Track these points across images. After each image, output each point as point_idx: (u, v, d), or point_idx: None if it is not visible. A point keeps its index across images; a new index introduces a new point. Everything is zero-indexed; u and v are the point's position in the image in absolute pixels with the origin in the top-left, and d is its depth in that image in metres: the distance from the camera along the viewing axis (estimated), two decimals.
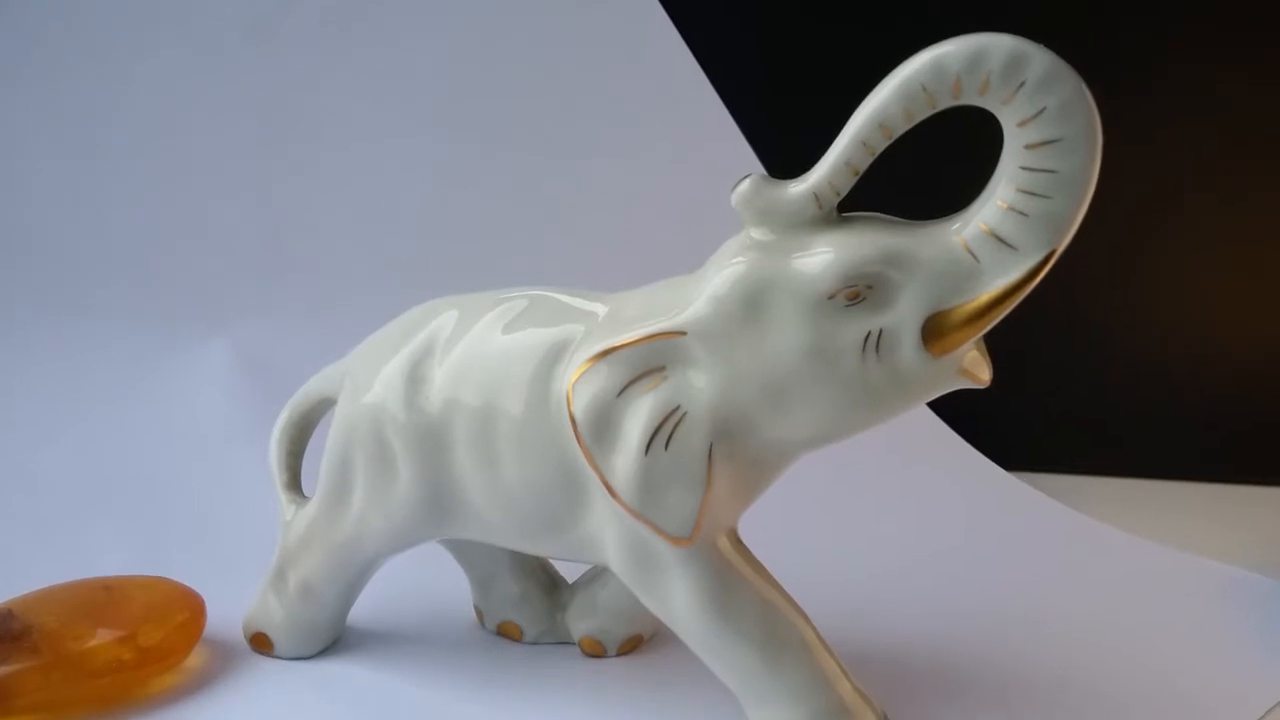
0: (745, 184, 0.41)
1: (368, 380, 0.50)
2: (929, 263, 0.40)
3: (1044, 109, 0.37)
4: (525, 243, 0.92)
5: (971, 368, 0.42)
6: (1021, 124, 0.37)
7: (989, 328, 0.40)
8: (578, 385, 0.43)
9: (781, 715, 0.44)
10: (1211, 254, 0.90)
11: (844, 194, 0.41)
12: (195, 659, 0.54)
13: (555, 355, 0.46)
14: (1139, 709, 0.50)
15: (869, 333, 0.40)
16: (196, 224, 0.93)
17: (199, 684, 0.52)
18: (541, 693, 0.52)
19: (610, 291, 0.48)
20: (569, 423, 0.43)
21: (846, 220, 0.42)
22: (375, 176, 0.95)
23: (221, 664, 0.54)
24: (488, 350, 0.47)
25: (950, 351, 0.40)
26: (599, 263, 0.78)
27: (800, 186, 0.41)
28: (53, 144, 0.93)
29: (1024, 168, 0.38)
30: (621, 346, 0.43)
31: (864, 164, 0.40)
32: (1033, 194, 0.38)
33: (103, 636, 0.50)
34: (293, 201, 0.95)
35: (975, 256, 0.39)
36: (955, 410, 0.88)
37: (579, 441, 0.43)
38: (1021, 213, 0.38)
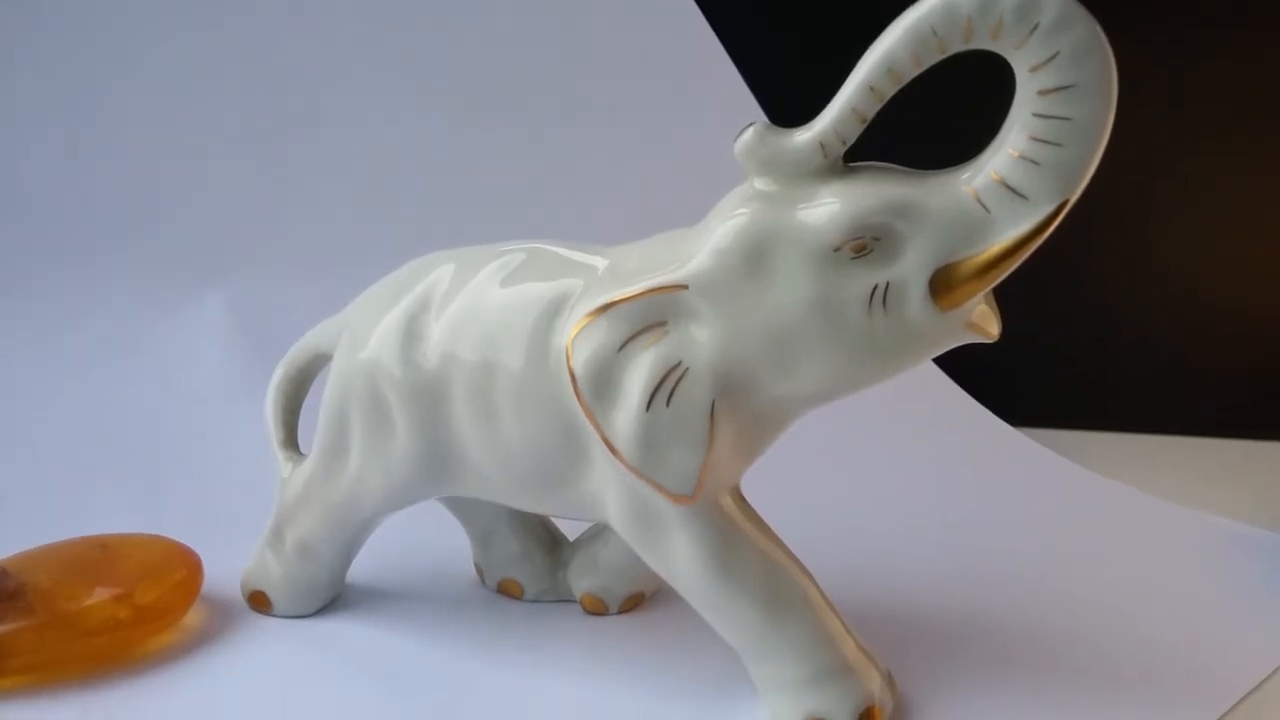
0: (748, 133, 0.40)
1: (364, 335, 0.50)
2: (938, 213, 0.39)
3: (1057, 53, 0.36)
4: (524, 195, 0.91)
5: (980, 322, 0.41)
6: (1034, 69, 0.36)
7: (999, 280, 0.39)
8: (577, 340, 0.42)
9: (784, 674, 0.44)
10: (1224, 209, 0.89)
11: (850, 142, 0.39)
12: (193, 618, 0.54)
13: (554, 309, 0.45)
14: (1145, 665, 0.50)
15: (875, 286, 0.39)
16: (192, 177, 0.93)
17: (197, 643, 0.52)
18: (543, 650, 0.52)
19: (610, 244, 0.47)
20: (568, 379, 0.42)
21: (853, 170, 0.41)
22: (374, 129, 0.94)
23: (219, 623, 0.54)
24: (485, 304, 0.47)
25: (959, 305, 0.39)
26: (598, 215, 0.77)
27: (805, 135, 0.40)
28: (47, 97, 0.92)
29: (1036, 115, 0.37)
30: (622, 301, 0.42)
31: (871, 111, 0.38)
32: (1045, 142, 0.37)
33: (98, 595, 0.49)
34: (290, 153, 0.94)
35: (985, 207, 0.38)
36: (960, 365, 0.87)
37: (578, 398, 0.42)
38: (1033, 161, 0.37)
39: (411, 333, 0.48)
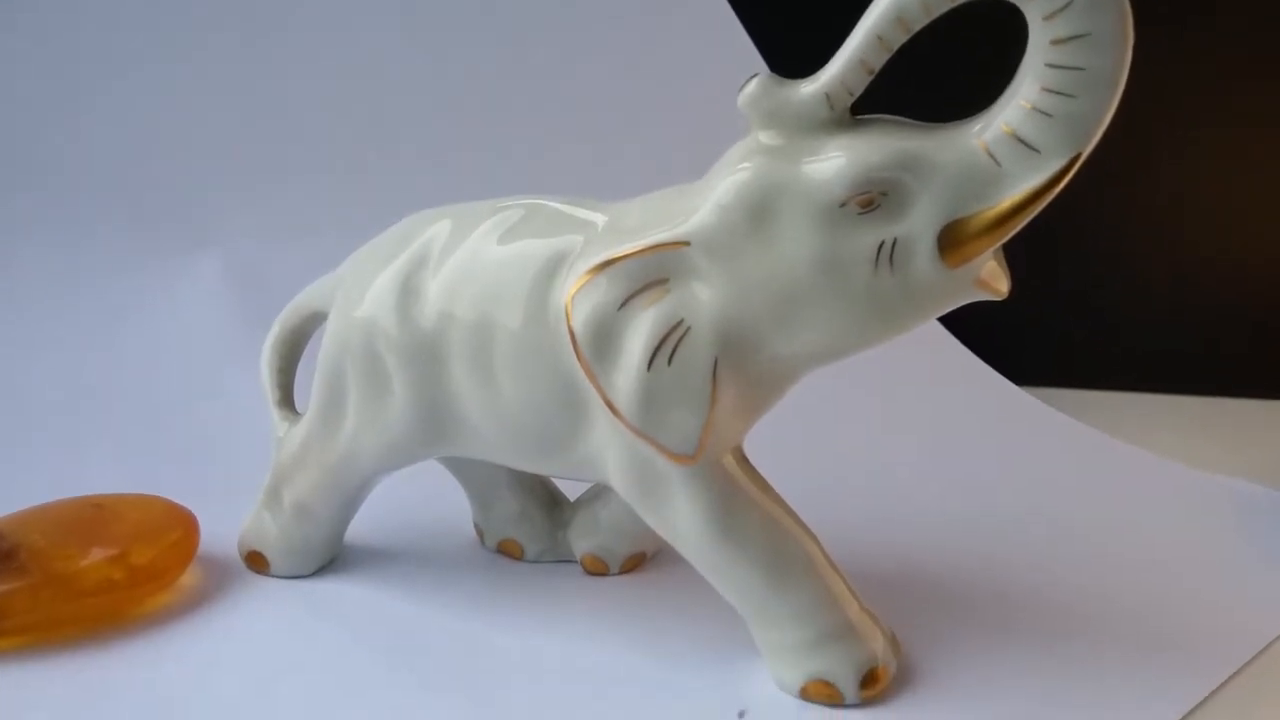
0: (753, 84, 0.39)
1: (359, 293, 0.49)
2: (947, 167, 0.38)
3: (1072, 1, 0.35)
4: (522, 150, 0.90)
5: (989, 279, 0.40)
6: (1048, 17, 0.35)
7: (1009, 236, 0.38)
8: (577, 298, 0.41)
9: (787, 636, 0.43)
10: (1234, 167, 0.88)
11: (858, 94, 0.38)
12: (189, 578, 0.53)
13: (553, 267, 0.44)
14: (1152, 626, 0.50)
15: (882, 242, 0.38)
16: (187, 133, 0.91)
17: (193, 603, 0.52)
18: (543, 611, 0.51)
19: (610, 200, 0.46)
20: (568, 337, 0.42)
21: (860, 123, 0.40)
22: (371, 84, 0.93)
23: (216, 583, 0.54)
24: (483, 262, 0.46)
25: (968, 262, 0.38)
26: (598, 170, 0.76)
27: (811, 86, 0.39)
28: (38, 57, 0.90)
29: (1050, 65, 0.36)
30: (622, 258, 0.41)
31: (879, 62, 0.37)
32: (1058, 93, 0.36)
33: (93, 556, 0.49)
34: (285, 109, 0.92)
35: (996, 160, 0.37)
36: (965, 324, 0.86)
37: (578, 357, 0.41)
38: (1046, 113, 0.36)
39: (407, 291, 0.47)
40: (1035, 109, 0.36)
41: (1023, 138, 0.37)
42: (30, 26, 0.90)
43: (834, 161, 0.38)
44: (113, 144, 0.90)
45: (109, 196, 0.90)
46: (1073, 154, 0.36)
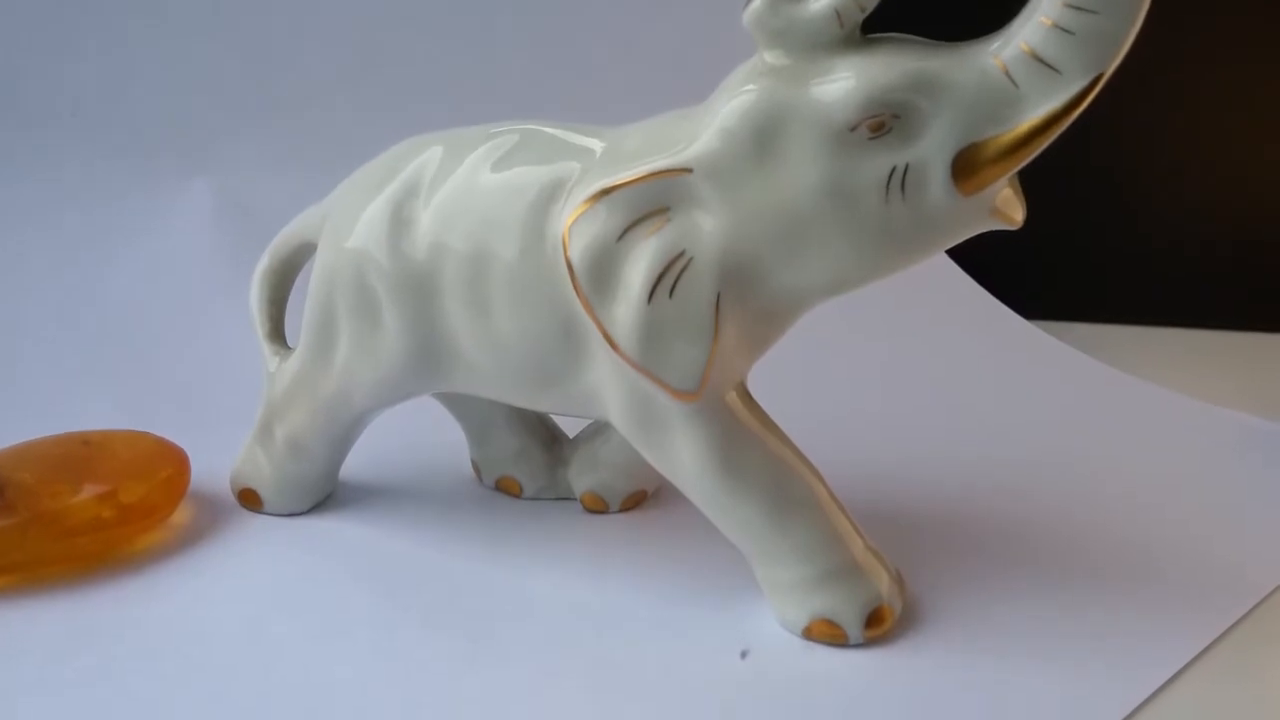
0: (759, 1, 0.37)
1: (349, 223, 0.47)
2: (962, 89, 0.36)
3: None
4: (518, 75, 0.88)
5: (1004, 207, 0.39)
6: None
7: (1027, 161, 0.37)
8: (574, 228, 0.40)
9: (791, 574, 0.43)
10: (1247, 101, 0.86)
11: (869, 10, 0.37)
12: (181, 516, 0.53)
13: (550, 195, 0.42)
14: (1162, 562, 0.49)
15: (894, 168, 0.37)
16: (176, 61, 0.89)
17: (185, 542, 0.51)
18: (542, 549, 0.51)
19: (609, 125, 0.44)
20: (565, 269, 0.40)
21: (871, 42, 0.38)
22: (363, 9, 0.90)
23: (209, 521, 0.53)
24: (477, 190, 0.44)
25: (982, 189, 0.37)
26: (596, 93, 0.74)
27: (820, 3, 0.37)
28: None
29: None
30: (621, 185, 0.39)
31: None
32: (1080, 9, 0.34)
33: (83, 493, 0.48)
34: (277, 37, 0.90)
35: (1014, 81, 0.36)
36: (973, 257, 0.85)
37: (576, 289, 0.40)
38: (1067, 30, 0.34)
39: (399, 220, 0.46)
40: (1056, 26, 0.35)
41: (1042, 57, 0.35)
42: None
43: (843, 83, 0.37)
44: (101, 72, 0.88)
45: (97, 125, 0.88)
46: (1095, 74, 0.35)
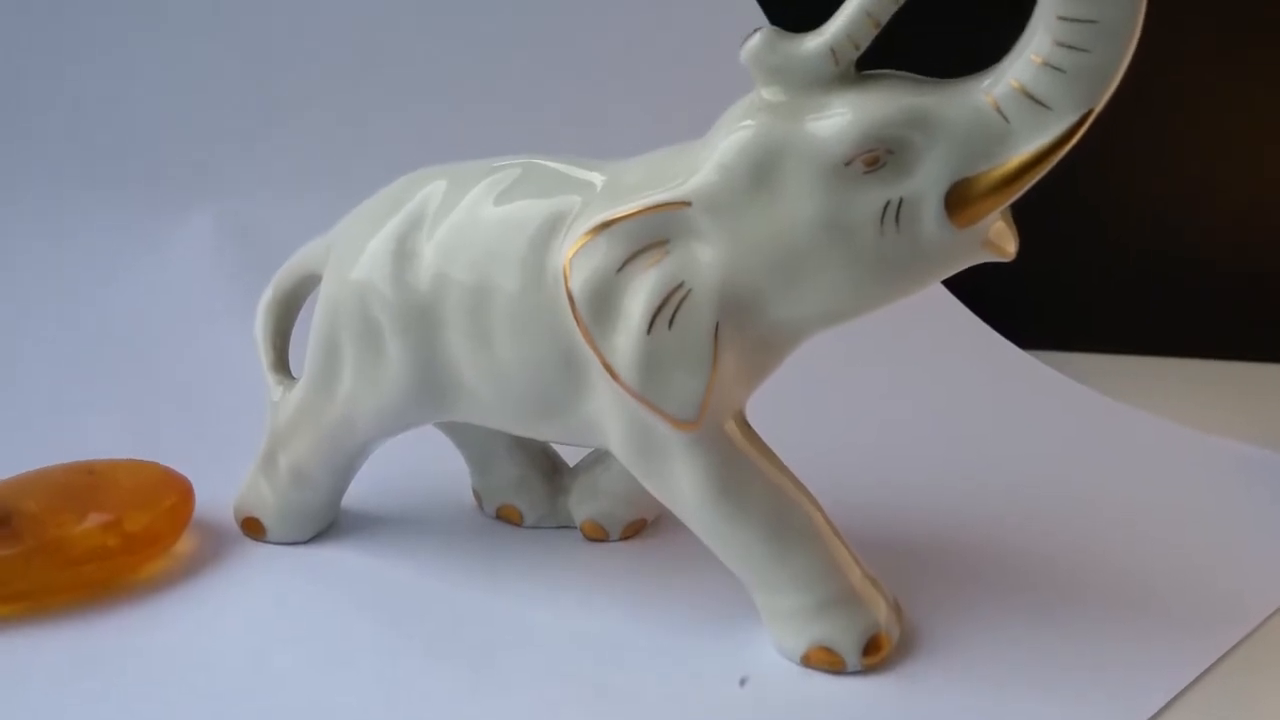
0: (756, 39, 0.38)
1: (353, 255, 0.48)
2: (955, 124, 0.37)
3: None
4: (521, 109, 0.89)
5: (997, 239, 0.39)
6: None
7: (1018, 196, 0.37)
8: (575, 260, 0.40)
9: (790, 603, 0.43)
10: (1238, 130, 0.87)
11: (864, 48, 0.37)
12: (185, 545, 0.53)
13: (551, 228, 0.43)
14: (1157, 591, 0.49)
15: (888, 202, 0.38)
16: (182, 89, 0.90)
17: (189, 570, 0.51)
18: (543, 577, 0.51)
19: (609, 159, 0.45)
20: (566, 300, 0.41)
21: (866, 79, 0.39)
22: (366, 40, 0.91)
23: (212, 549, 0.53)
24: (479, 222, 0.45)
25: (975, 222, 0.38)
26: (597, 128, 0.75)
27: (816, 41, 0.38)
28: (30, 7, 0.89)
29: (1061, 17, 0.35)
30: (621, 218, 0.40)
31: (885, 14, 0.36)
32: (1071, 47, 0.35)
33: (87, 522, 0.48)
34: (281, 65, 0.91)
35: (1005, 117, 0.36)
36: (969, 287, 0.86)
37: (577, 320, 0.41)
38: (1057, 68, 0.35)
39: (403, 253, 0.46)
40: (1047, 63, 0.35)
41: (1033, 94, 0.36)
42: None
43: (838, 119, 0.38)
44: (104, 99, 0.89)
45: (102, 156, 0.89)
46: (1084, 110, 0.35)
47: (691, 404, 0.40)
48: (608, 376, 0.41)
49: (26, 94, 0.89)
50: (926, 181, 0.37)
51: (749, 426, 0.45)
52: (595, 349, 0.41)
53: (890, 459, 0.66)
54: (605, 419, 0.44)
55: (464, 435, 0.56)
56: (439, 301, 0.45)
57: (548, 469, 0.57)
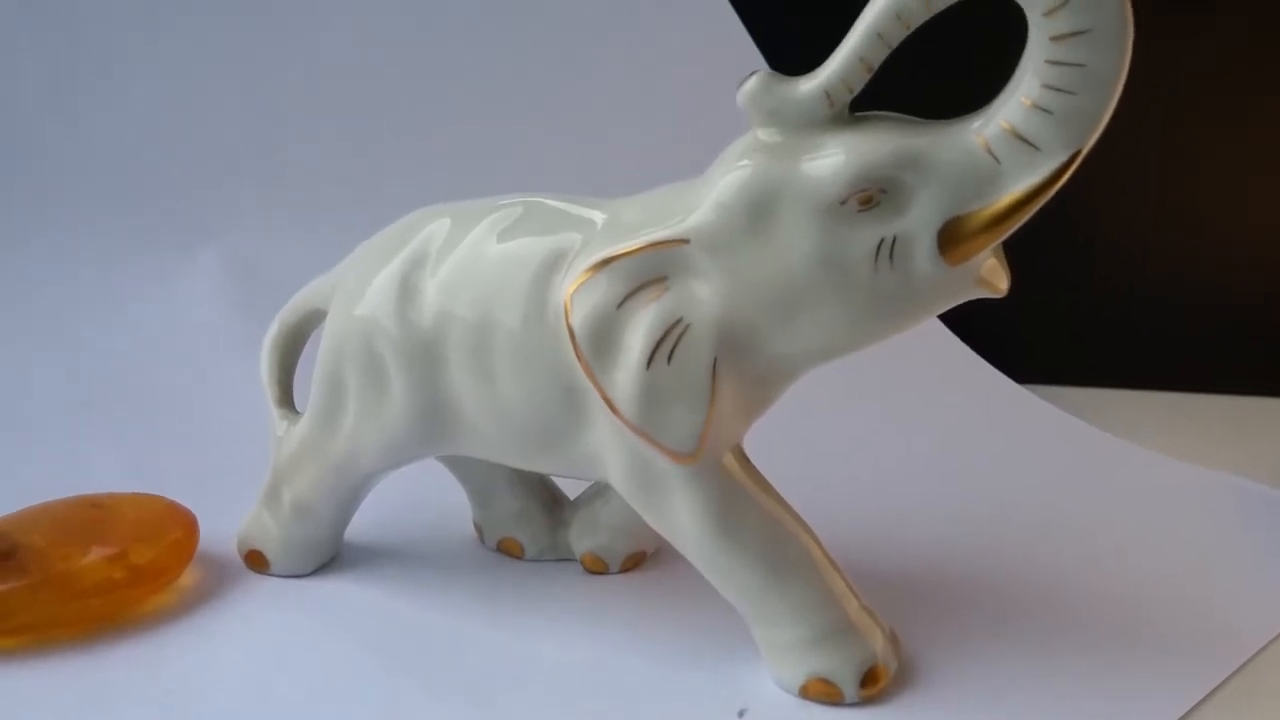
0: (752, 81, 0.39)
1: (358, 292, 0.49)
2: (947, 164, 0.38)
3: None
4: (521, 147, 0.90)
5: (989, 276, 0.40)
6: (1048, 13, 0.35)
7: (1009, 234, 0.38)
8: (576, 296, 0.41)
9: (787, 634, 0.43)
10: (1235, 164, 0.87)
11: (857, 91, 0.38)
12: (189, 577, 0.53)
13: (552, 265, 0.44)
14: (1154, 624, 0.49)
15: (882, 240, 0.38)
16: (185, 127, 0.91)
17: (193, 603, 0.51)
18: (543, 610, 0.51)
19: (609, 198, 0.46)
20: (567, 335, 0.42)
21: (859, 120, 0.40)
22: (370, 80, 0.93)
23: (216, 582, 0.53)
24: (482, 260, 0.45)
25: (968, 259, 0.38)
26: (597, 167, 0.75)
27: (811, 83, 0.39)
28: (38, 46, 0.90)
29: (1050, 61, 0.36)
30: (621, 256, 0.41)
31: (879, 58, 0.37)
32: (1059, 90, 0.36)
33: (93, 555, 0.49)
34: (286, 103, 0.92)
35: (996, 157, 0.37)
36: (965, 322, 0.86)
37: (578, 355, 0.41)
38: (1046, 110, 0.36)
39: (406, 290, 0.47)
40: (1035, 106, 0.36)
41: (1022, 134, 0.37)
42: (31, 18, 0.90)
43: (833, 159, 0.38)
44: (111, 137, 0.90)
45: (108, 193, 0.90)
46: (1073, 151, 0.36)
47: (690, 438, 0.41)
48: (608, 410, 0.42)
49: (34, 131, 0.90)
50: (919, 220, 0.38)
51: (747, 459, 0.45)
52: (596, 383, 0.41)
53: (886, 491, 0.66)
54: (605, 452, 0.44)
55: (465, 468, 0.57)
56: (442, 338, 0.46)
57: (548, 502, 0.57)
